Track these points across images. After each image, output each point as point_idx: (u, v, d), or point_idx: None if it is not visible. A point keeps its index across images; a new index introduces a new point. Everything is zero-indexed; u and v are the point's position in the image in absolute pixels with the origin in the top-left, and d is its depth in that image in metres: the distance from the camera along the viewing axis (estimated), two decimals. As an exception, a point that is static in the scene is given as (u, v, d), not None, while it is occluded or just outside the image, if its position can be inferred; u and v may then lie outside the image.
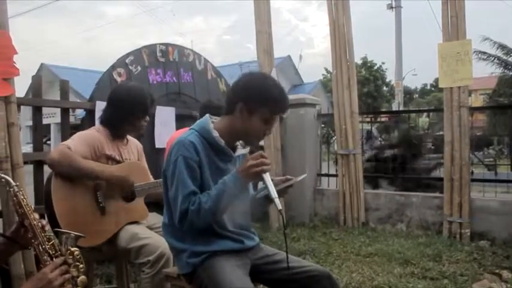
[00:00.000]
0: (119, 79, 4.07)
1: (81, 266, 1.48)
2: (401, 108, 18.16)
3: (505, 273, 3.56)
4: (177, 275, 2.05)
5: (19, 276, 2.77)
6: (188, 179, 1.77)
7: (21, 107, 3.98)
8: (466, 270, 3.72)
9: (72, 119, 3.91)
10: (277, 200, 1.71)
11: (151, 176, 2.84)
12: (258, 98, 1.83)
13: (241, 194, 1.83)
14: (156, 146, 4.18)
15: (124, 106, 2.61)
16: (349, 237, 4.93)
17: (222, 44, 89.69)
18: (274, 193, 1.73)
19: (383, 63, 32.70)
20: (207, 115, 1.96)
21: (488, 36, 13.38)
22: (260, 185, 2.08)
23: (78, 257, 1.48)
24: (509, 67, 14.12)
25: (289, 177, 1.97)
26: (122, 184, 2.52)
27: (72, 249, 1.48)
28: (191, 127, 1.95)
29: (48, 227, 1.52)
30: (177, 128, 4.29)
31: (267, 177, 1.76)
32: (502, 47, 13.61)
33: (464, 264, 3.88)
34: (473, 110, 5.58)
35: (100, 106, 3.62)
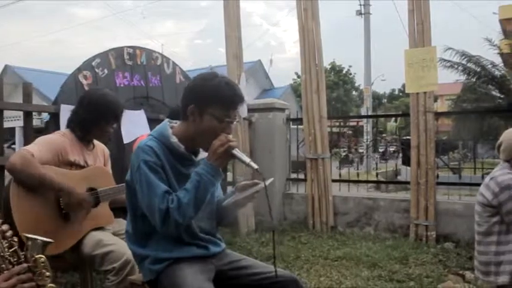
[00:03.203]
0: (84, 82, 3.98)
1: (47, 273, 1.41)
2: (369, 113, 18.51)
3: (468, 274, 3.64)
4: (142, 282, 2.01)
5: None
6: (157, 180, 1.74)
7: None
8: (431, 272, 3.80)
9: (38, 122, 3.80)
10: (252, 163, 1.76)
11: (114, 183, 2.78)
12: (204, 97, 1.80)
13: (217, 181, 1.79)
14: (125, 142, 4.05)
15: (97, 110, 2.58)
16: (318, 241, 4.96)
17: (193, 48, 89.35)
18: (246, 159, 1.78)
19: (350, 66, 33.25)
20: (166, 120, 1.93)
21: (452, 46, 13.75)
22: (229, 191, 2.06)
23: (43, 264, 1.40)
24: (472, 74, 14.53)
25: (256, 181, 1.95)
26: (74, 201, 2.40)
27: (37, 256, 1.40)
28: (150, 133, 1.91)
29: (10, 232, 1.44)
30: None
31: (236, 151, 1.77)
32: (464, 55, 14.03)
33: (430, 266, 3.96)
34: (438, 115, 5.71)
35: (65, 109, 3.53)
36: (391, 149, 16.51)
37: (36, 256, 1.40)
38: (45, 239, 1.44)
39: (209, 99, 1.79)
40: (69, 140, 2.56)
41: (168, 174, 1.79)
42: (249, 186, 1.91)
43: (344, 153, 13.20)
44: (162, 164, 1.78)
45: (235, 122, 1.91)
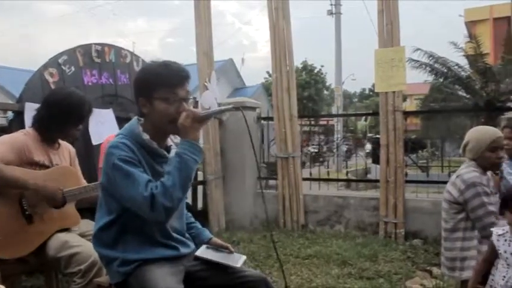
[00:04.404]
0: (50, 80, 3.87)
1: None
2: (340, 112, 18.73)
3: (435, 270, 3.73)
4: (109, 284, 1.97)
5: None
6: (137, 171, 1.69)
7: None
8: (400, 268, 3.86)
9: (3, 121, 3.68)
10: (225, 107, 1.96)
11: (84, 180, 2.72)
12: (146, 86, 1.80)
13: (198, 157, 1.74)
14: (94, 143, 3.96)
15: (60, 111, 2.49)
16: (289, 239, 4.97)
17: (165, 47, 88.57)
18: (216, 109, 1.95)
19: (322, 66, 33.49)
20: (135, 117, 1.87)
21: (420, 47, 14.10)
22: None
23: None
24: (439, 75, 14.90)
25: (232, 249, 2.07)
26: (48, 195, 2.37)
27: None
28: (119, 132, 1.86)
29: None
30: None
31: (203, 112, 1.80)
32: (431, 56, 14.39)
33: (399, 263, 4.02)
34: (407, 114, 5.79)
35: (29, 107, 3.43)
36: (344, 148, 16.61)
37: None
38: None
39: (151, 86, 1.79)
40: (33, 139, 2.48)
41: (146, 171, 1.74)
42: (224, 248, 2.05)
43: None
44: (139, 160, 1.74)
45: (190, 100, 1.91)
